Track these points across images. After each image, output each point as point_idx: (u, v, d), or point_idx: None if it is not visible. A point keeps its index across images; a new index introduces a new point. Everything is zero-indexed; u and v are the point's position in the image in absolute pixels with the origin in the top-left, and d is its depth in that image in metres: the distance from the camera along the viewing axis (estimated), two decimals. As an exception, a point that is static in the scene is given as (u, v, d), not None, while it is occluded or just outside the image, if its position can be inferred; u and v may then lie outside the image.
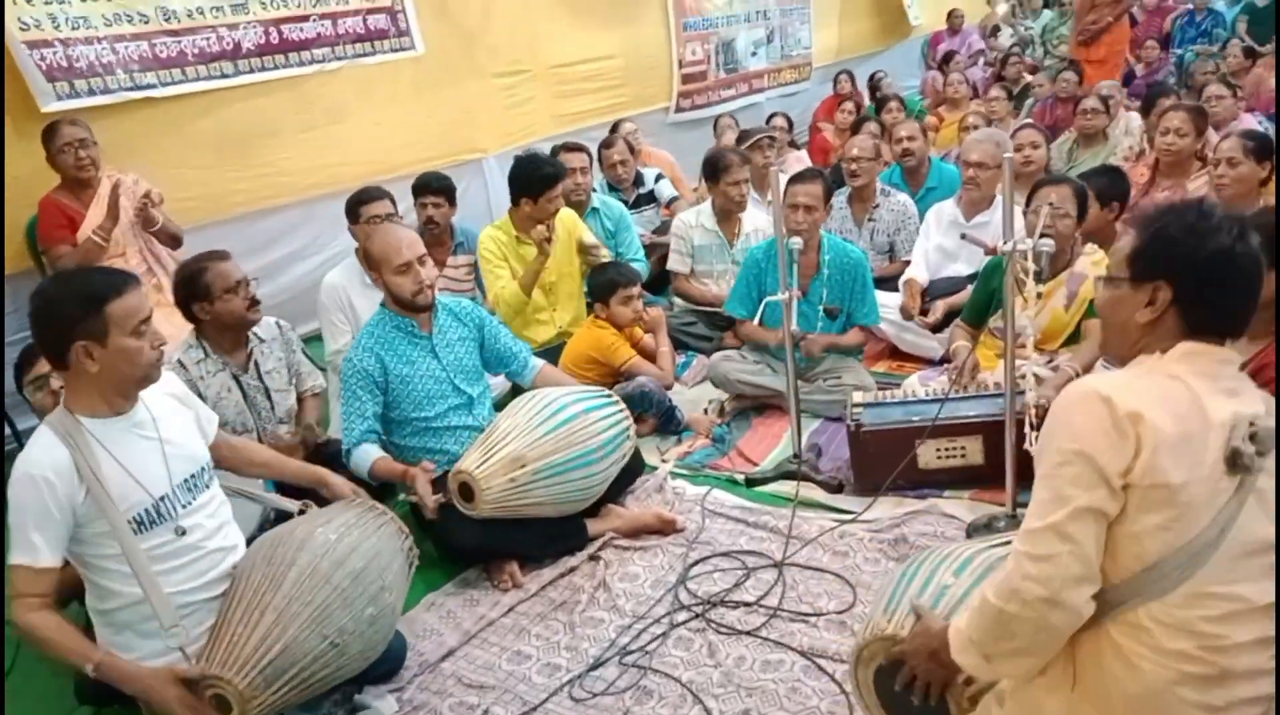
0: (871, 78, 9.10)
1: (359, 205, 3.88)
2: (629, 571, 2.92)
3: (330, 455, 3.14)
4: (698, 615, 2.67)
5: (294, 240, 5.12)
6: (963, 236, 3.87)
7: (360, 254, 3.77)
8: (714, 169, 4.53)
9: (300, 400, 3.40)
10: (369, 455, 2.93)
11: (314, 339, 4.26)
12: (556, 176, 4.11)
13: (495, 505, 2.81)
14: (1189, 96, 6.02)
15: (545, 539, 2.99)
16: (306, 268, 5.06)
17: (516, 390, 3.78)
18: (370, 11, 5.28)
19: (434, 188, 4.33)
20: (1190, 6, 10.01)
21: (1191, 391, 1.46)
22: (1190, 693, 1.43)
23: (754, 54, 8.57)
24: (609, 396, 3.19)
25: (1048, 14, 11.04)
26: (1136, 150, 5.44)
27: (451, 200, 4.39)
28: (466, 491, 2.82)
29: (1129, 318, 1.56)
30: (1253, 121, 5.46)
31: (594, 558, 2.99)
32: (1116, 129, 5.71)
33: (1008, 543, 1.92)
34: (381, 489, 2.98)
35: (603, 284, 3.89)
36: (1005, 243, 2.66)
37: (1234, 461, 1.42)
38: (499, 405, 3.38)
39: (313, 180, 5.06)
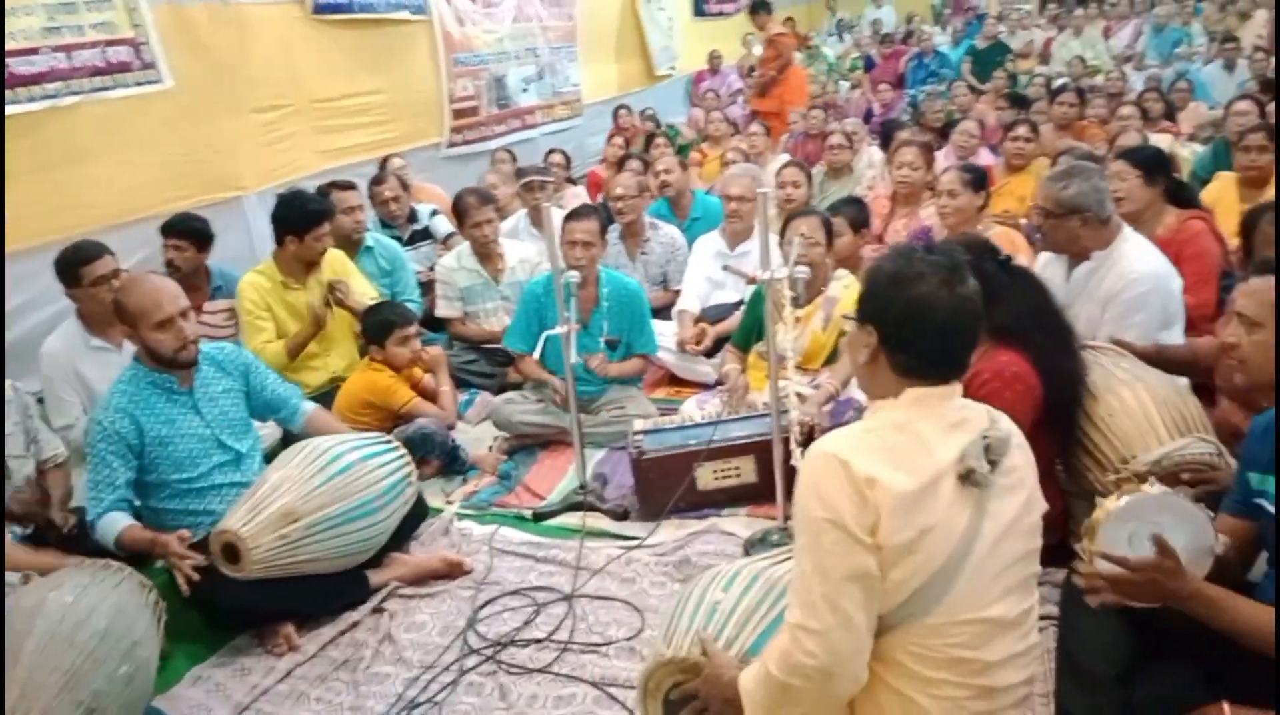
0: (640, 114, 9.39)
1: (79, 267, 3.45)
2: (415, 620, 2.84)
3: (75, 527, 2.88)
4: (488, 658, 2.62)
5: (31, 288, 4.64)
6: (725, 267, 4.07)
7: (81, 314, 3.51)
8: (457, 214, 4.56)
9: (41, 472, 3.08)
10: (116, 524, 2.68)
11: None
12: (323, 213, 3.98)
13: (265, 565, 2.64)
14: (920, 133, 6.62)
15: (323, 595, 2.83)
16: (41, 318, 4.59)
17: (289, 439, 3.60)
18: (110, 43, 4.90)
19: (177, 229, 4.11)
20: (919, 50, 11.06)
21: (921, 439, 1.53)
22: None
23: (525, 90, 8.65)
24: (388, 442, 3.09)
25: (798, 56, 11.82)
26: (878, 182, 5.92)
27: (200, 243, 4.15)
28: (231, 552, 2.64)
29: (855, 355, 1.67)
30: (988, 154, 6.07)
31: (378, 610, 2.88)
32: (860, 162, 6.19)
33: (782, 558, 2.03)
34: (135, 559, 2.74)
35: (377, 325, 3.78)
36: (764, 272, 2.82)
37: (972, 481, 1.50)
38: (269, 456, 3.21)
39: (55, 224, 4.57)
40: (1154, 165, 3.68)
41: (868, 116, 9.42)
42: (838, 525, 1.46)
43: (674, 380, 4.49)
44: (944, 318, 1.55)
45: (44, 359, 3.53)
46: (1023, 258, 3.82)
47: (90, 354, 3.51)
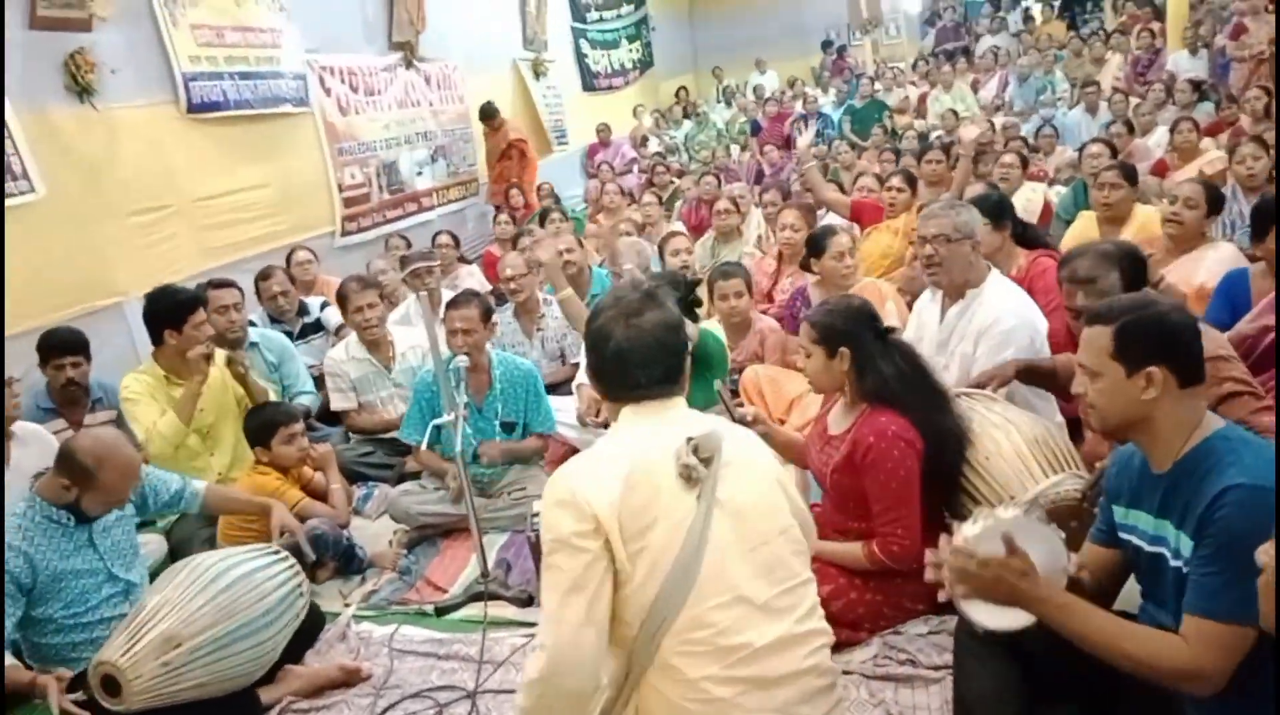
0: (537, 189, 9.48)
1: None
2: (312, 736, 2.71)
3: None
4: (388, 769, 2.52)
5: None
6: None
7: None
8: (340, 302, 4.54)
9: None
10: None
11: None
12: (196, 300, 3.93)
13: (147, 695, 2.50)
14: (800, 194, 6.79)
15: (210, 721, 2.70)
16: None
17: (175, 555, 3.48)
18: (-22, 157, 4.75)
19: (68, 345, 3.98)
20: (804, 112, 11.43)
21: (635, 445, 1.71)
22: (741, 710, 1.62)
23: (420, 173, 8.68)
24: (276, 552, 2.96)
25: (688, 124, 12.14)
26: (766, 242, 6.05)
27: (88, 355, 4.03)
28: (111, 684, 2.49)
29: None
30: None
31: (271, 728, 2.75)
32: (749, 225, 6.32)
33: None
34: (15, 698, 2.59)
35: (261, 425, 3.67)
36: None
37: (687, 477, 1.66)
38: (154, 572, 3.09)
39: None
40: (997, 211, 3.89)
41: (759, 177, 9.67)
42: (562, 541, 1.63)
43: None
44: (616, 346, 1.76)
45: None
46: (891, 305, 3.94)
47: None
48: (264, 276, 5.23)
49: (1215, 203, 3.83)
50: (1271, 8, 8.63)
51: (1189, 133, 6.30)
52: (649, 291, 1.82)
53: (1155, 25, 11.22)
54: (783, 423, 3.74)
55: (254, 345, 4.53)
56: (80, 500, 2.77)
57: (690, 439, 1.67)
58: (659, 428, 1.74)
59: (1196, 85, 8.62)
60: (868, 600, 2.63)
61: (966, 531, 1.90)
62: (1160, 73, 9.84)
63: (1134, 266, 2.86)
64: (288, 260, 5.80)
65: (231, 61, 6.28)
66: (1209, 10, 10.80)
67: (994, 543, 1.85)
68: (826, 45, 14.56)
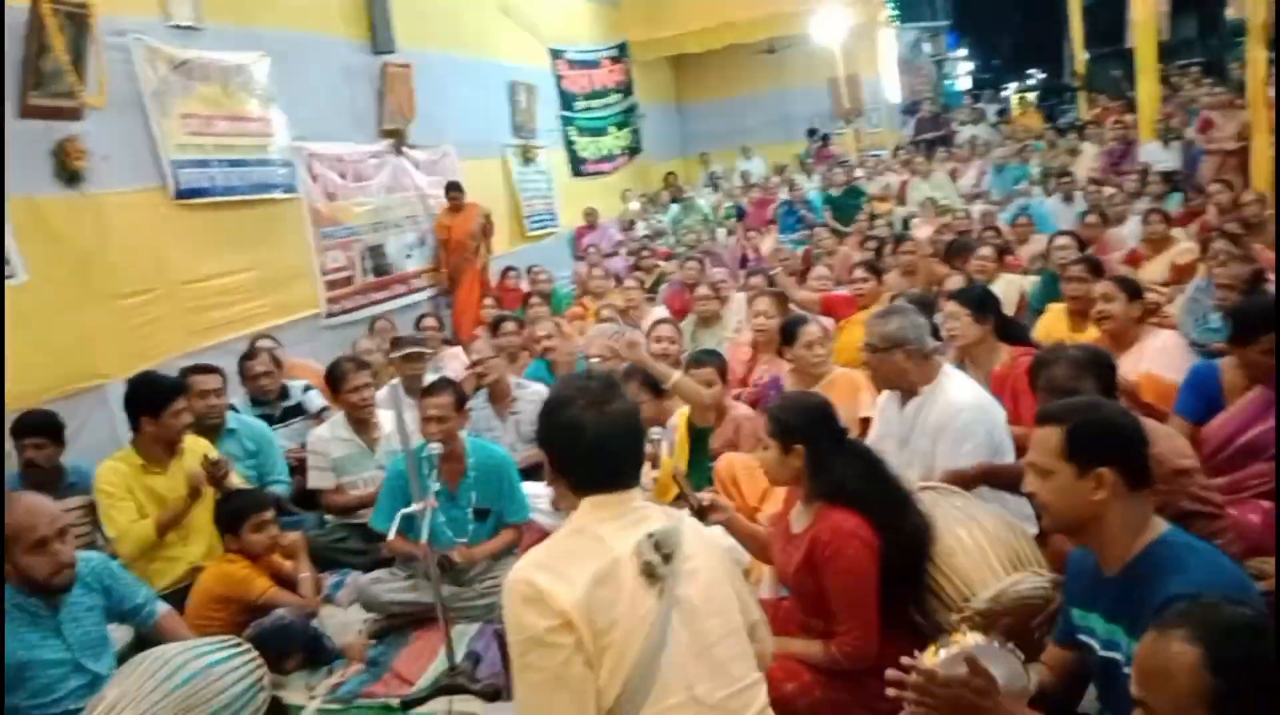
0: (528, 271, 9.53)
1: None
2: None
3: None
4: None
5: None
6: None
7: None
8: (332, 381, 4.56)
9: None
10: None
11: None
12: (176, 389, 3.95)
13: (100, 792, 2.47)
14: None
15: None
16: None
17: (142, 642, 3.43)
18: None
19: (35, 427, 4.00)
20: (788, 198, 11.66)
21: (597, 538, 1.68)
22: None
23: (409, 256, 8.80)
24: (237, 645, 2.93)
25: (675, 208, 12.37)
26: (743, 327, 6.10)
27: (57, 439, 4.05)
28: (65, 778, 2.46)
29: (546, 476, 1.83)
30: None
31: (221, 830, 2.68)
32: (729, 310, 6.39)
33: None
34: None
35: (230, 513, 3.65)
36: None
37: (649, 574, 1.65)
38: (122, 656, 3.05)
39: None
40: (981, 303, 3.91)
41: (744, 262, 9.81)
42: (535, 640, 1.58)
43: (552, 542, 4.42)
44: (594, 436, 1.71)
45: None
46: (865, 396, 3.97)
47: None
48: (249, 356, 5.25)
49: (1134, 291, 3.95)
50: (1240, 102, 8.91)
51: (1158, 223, 6.44)
52: (609, 380, 1.81)
53: (1128, 118, 11.56)
54: (757, 511, 3.74)
55: (232, 431, 4.52)
56: (20, 569, 2.70)
57: (651, 535, 1.66)
58: (620, 521, 1.71)
59: (1168, 176, 8.84)
60: (833, 699, 2.59)
61: (927, 662, 1.90)
62: (1134, 163, 10.11)
63: (1105, 370, 2.89)
64: (251, 345, 5.74)
65: (220, 149, 6.43)
66: (1179, 104, 11.17)
67: (956, 666, 1.85)
68: (811, 133, 14.93)
